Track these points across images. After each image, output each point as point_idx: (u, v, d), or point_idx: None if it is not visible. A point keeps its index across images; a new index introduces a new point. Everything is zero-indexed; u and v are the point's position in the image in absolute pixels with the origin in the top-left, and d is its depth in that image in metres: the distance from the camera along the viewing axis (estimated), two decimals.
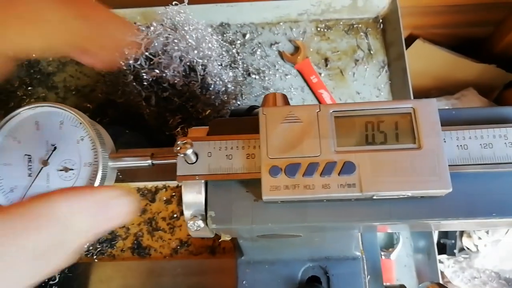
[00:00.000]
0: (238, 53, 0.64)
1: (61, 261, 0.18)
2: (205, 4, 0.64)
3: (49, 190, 0.31)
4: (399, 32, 0.62)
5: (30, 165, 0.31)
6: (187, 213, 0.30)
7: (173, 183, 0.56)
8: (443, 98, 0.91)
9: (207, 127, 0.32)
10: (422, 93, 0.95)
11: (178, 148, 0.27)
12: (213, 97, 0.56)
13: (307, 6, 0.65)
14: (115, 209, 0.21)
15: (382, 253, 0.57)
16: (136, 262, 0.55)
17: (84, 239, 0.20)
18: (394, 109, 0.29)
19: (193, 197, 0.29)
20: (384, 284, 0.43)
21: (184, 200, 0.29)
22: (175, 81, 0.53)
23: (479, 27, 0.89)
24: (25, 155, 0.32)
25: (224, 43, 0.64)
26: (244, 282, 0.39)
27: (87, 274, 0.54)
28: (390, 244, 0.59)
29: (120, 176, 0.37)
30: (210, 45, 0.57)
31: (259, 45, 0.66)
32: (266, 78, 0.64)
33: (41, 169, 0.31)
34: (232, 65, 0.63)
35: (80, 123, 0.32)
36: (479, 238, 0.82)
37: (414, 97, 0.62)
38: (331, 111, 0.29)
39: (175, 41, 0.54)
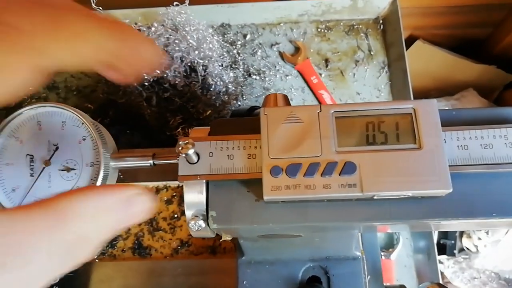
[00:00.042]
0: (238, 53, 0.64)
1: (84, 256, 0.19)
2: (206, 5, 0.64)
3: (51, 190, 0.31)
4: (399, 33, 0.62)
5: (32, 165, 0.32)
6: (188, 213, 0.30)
7: (174, 183, 0.56)
8: (443, 98, 0.91)
9: (209, 127, 0.32)
10: (422, 94, 0.95)
11: (180, 148, 0.28)
12: (213, 97, 0.56)
13: (307, 7, 0.65)
14: (137, 206, 0.22)
15: (382, 254, 0.57)
16: (136, 262, 0.55)
17: (107, 235, 0.20)
18: (395, 110, 0.29)
19: (195, 197, 0.30)
20: (384, 284, 0.43)
21: (185, 200, 0.30)
22: (176, 82, 0.53)
23: (479, 28, 0.89)
24: (27, 155, 0.32)
25: (225, 44, 0.64)
26: (244, 282, 0.39)
27: (88, 274, 0.54)
28: (390, 244, 0.59)
29: (121, 176, 0.37)
30: (211, 45, 0.57)
31: (260, 45, 0.66)
32: (267, 79, 0.64)
33: (43, 169, 0.32)
34: (233, 65, 0.63)
35: (82, 123, 0.32)
36: (479, 238, 0.82)
37: (414, 98, 0.62)
38: (332, 112, 0.29)
39: (176, 41, 0.54)
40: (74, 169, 0.32)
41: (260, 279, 0.39)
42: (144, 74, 0.25)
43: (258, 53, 0.65)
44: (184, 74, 0.56)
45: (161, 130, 0.56)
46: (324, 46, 0.66)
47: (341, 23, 0.67)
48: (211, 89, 0.57)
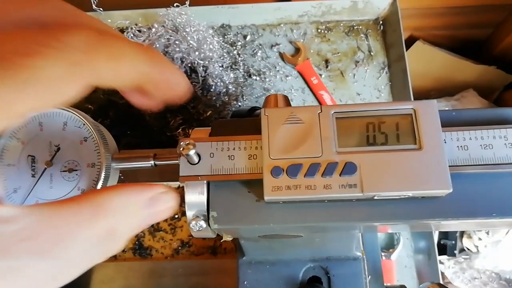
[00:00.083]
0: (239, 54, 0.64)
1: (113, 249, 0.20)
2: (206, 6, 0.64)
3: (52, 191, 0.31)
4: (399, 33, 0.62)
5: (34, 166, 0.32)
6: (189, 213, 0.30)
7: (174, 184, 0.56)
8: (443, 99, 0.91)
9: (209, 128, 0.32)
10: (422, 94, 0.95)
11: (181, 149, 0.28)
12: (214, 98, 0.56)
13: (307, 8, 0.65)
14: (163, 204, 0.23)
15: (383, 254, 0.57)
16: (137, 263, 0.55)
17: (134, 231, 0.22)
18: (395, 110, 0.29)
19: (196, 197, 0.30)
20: (385, 284, 0.43)
21: (186, 201, 0.30)
22: None
23: (479, 29, 0.89)
24: (29, 156, 0.32)
25: (225, 45, 0.64)
26: (245, 282, 0.39)
27: (88, 275, 0.54)
28: (390, 244, 0.59)
29: (122, 177, 0.37)
30: (211, 46, 0.57)
31: (260, 46, 0.66)
32: (267, 80, 0.64)
33: (44, 170, 0.32)
34: (233, 66, 0.63)
35: (83, 124, 0.32)
36: (480, 239, 0.82)
37: (414, 98, 0.62)
38: (332, 112, 0.29)
39: (176, 42, 0.54)
40: (76, 170, 0.32)
41: (261, 280, 0.39)
42: (169, 102, 0.26)
43: (259, 54, 0.65)
44: (185, 75, 0.56)
45: (161, 130, 0.56)
46: (324, 47, 0.66)
47: (341, 24, 0.67)
48: (212, 89, 0.57)
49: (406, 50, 0.62)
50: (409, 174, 0.27)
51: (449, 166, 0.27)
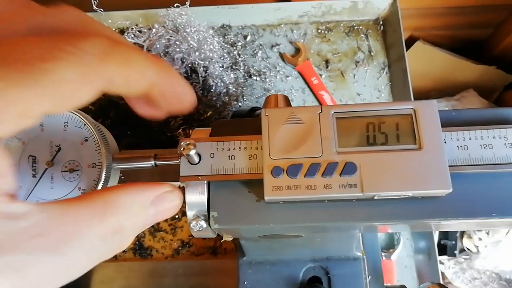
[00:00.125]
0: (239, 54, 0.64)
1: (119, 246, 0.21)
2: (206, 6, 0.64)
3: (53, 191, 0.32)
4: (399, 33, 0.62)
5: (35, 166, 0.32)
6: (189, 213, 0.30)
7: (175, 184, 0.56)
8: (443, 99, 0.91)
9: (210, 128, 0.32)
10: (422, 95, 0.95)
11: (182, 149, 0.28)
12: (214, 98, 0.56)
13: (307, 8, 0.65)
14: (169, 203, 0.24)
15: (383, 254, 0.57)
16: (138, 263, 0.55)
17: (139, 229, 0.22)
18: (395, 110, 0.29)
19: (196, 197, 0.30)
20: (385, 284, 0.43)
21: (187, 201, 0.30)
22: None
23: (479, 29, 0.89)
24: (30, 156, 0.32)
25: (226, 45, 0.64)
26: (245, 282, 0.39)
27: (88, 275, 0.54)
28: (390, 245, 0.59)
29: (122, 177, 0.37)
30: (211, 47, 0.57)
31: (260, 46, 0.66)
32: (267, 80, 0.64)
33: (45, 170, 0.32)
34: (233, 66, 0.63)
35: (84, 125, 0.32)
36: (480, 239, 0.82)
37: (414, 99, 0.62)
38: (332, 112, 0.29)
39: (177, 43, 0.55)
40: (77, 170, 0.32)
41: (261, 280, 0.39)
42: (174, 113, 0.27)
43: (259, 54, 0.65)
44: (185, 75, 0.56)
45: (161, 131, 0.56)
46: (325, 47, 0.66)
47: (341, 24, 0.67)
48: (212, 90, 0.57)
49: (406, 50, 0.62)
50: (409, 174, 0.27)
51: (449, 166, 0.27)
